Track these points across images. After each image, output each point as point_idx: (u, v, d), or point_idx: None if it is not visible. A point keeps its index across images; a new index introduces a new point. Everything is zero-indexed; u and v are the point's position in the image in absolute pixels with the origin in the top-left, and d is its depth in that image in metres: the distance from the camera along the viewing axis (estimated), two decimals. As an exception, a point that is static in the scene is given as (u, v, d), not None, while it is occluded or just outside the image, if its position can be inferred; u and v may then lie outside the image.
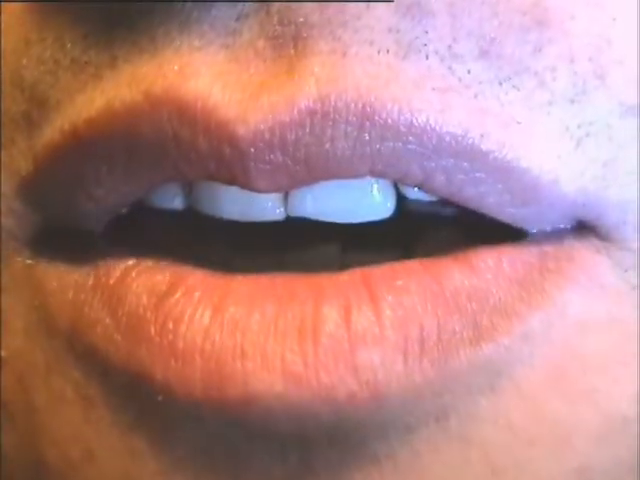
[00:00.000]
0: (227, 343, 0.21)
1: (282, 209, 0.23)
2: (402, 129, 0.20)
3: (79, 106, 0.22)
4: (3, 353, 0.24)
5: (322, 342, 0.21)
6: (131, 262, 0.23)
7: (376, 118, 0.20)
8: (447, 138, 0.21)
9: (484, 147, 0.21)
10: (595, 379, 0.22)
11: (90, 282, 0.23)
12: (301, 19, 0.20)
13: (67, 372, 0.23)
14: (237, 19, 0.21)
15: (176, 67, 0.21)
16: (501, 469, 0.22)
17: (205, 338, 0.21)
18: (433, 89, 0.20)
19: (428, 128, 0.20)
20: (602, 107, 0.21)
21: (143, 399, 0.22)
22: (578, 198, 0.22)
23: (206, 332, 0.21)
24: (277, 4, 0.20)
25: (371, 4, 0.20)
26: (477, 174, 0.21)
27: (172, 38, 0.21)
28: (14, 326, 0.24)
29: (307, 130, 0.20)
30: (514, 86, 0.21)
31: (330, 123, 0.20)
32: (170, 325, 0.21)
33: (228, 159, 0.21)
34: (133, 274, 0.22)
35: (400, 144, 0.21)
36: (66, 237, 0.23)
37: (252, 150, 0.20)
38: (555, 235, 0.22)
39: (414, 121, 0.20)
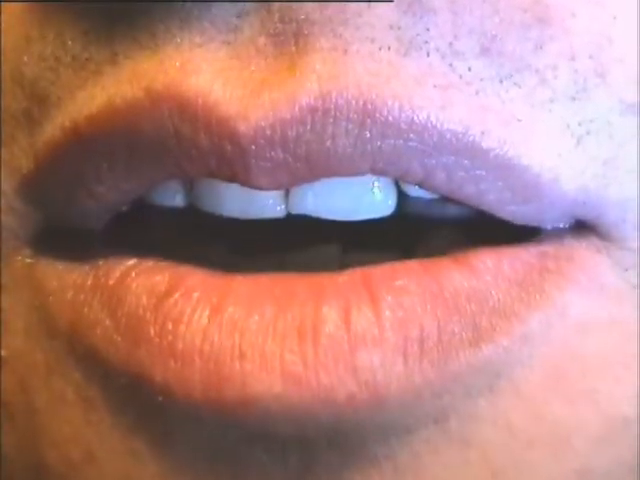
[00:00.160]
0: (225, 344, 0.21)
1: (283, 206, 0.23)
2: (403, 126, 0.20)
3: (80, 103, 0.22)
4: (3, 353, 0.24)
5: (322, 343, 0.21)
6: (131, 262, 0.22)
7: (377, 115, 0.20)
8: (448, 135, 0.21)
9: (485, 144, 0.21)
10: (595, 380, 0.22)
11: (89, 282, 0.23)
12: (302, 16, 0.20)
13: (67, 373, 0.23)
14: (238, 16, 0.21)
15: (177, 64, 0.21)
16: (501, 470, 0.21)
17: (204, 339, 0.21)
18: (434, 86, 0.21)
19: (429, 125, 0.20)
20: (603, 105, 0.21)
21: (143, 400, 0.22)
22: (578, 196, 0.22)
23: (205, 333, 0.21)
24: (278, 2, 0.20)
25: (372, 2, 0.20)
26: (478, 171, 0.21)
27: (173, 35, 0.21)
28: (14, 326, 0.24)
29: (308, 127, 0.20)
30: (515, 83, 0.21)
31: (331, 120, 0.20)
32: (169, 326, 0.21)
33: (229, 156, 0.21)
34: (133, 274, 0.22)
35: (401, 141, 0.21)
36: (66, 236, 0.23)
37: (253, 147, 0.20)
38: (555, 235, 0.22)
39: (415, 118, 0.20)
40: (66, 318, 0.23)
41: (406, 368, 0.21)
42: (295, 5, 0.20)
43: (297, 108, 0.20)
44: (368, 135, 0.20)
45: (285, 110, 0.20)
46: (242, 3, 0.20)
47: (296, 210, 0.23)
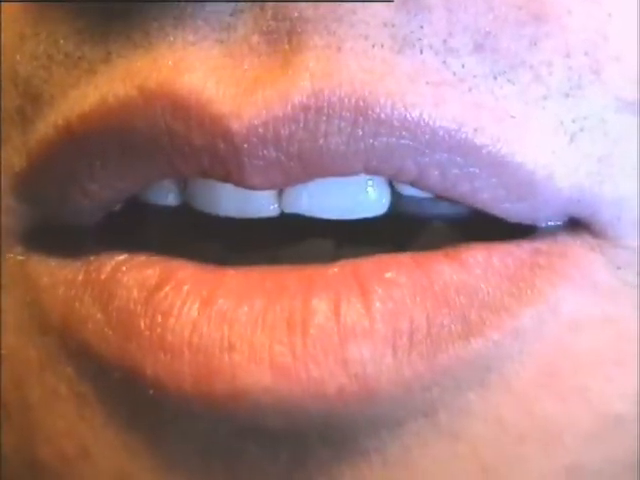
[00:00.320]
0: (214, 335, 0.21)
1: (276, 205, 0.23)
2: (395, 124, 0.20)
3: (72, 101, 0.22)
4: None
5: (311, 334, 0.20)
6: (122, 257, 0.22)
7: (369, 113, 0.20)
8: (441, 132, 0.21)
9: (478, 141, 0.21)
10: (587, 377, 0.22)
11: (81, 277, 0.23)
12: (296, 14, 0.20)
13: (60, 369, 0.23)
14: (231, 14, 0.21)
15: (170, 62, 0.21)
16: (491, 465, 0.21)
17: (193, 331, 0.21)
18: (427, 83, 0.20)
19: (421, 123, 0.20)
20: (597, 102, 0.21)
21: (136, 395, 0.22)
22: (573, 194, 0.21)
23: (194, 325, 0.21)
24: (272, 1, 0.20)
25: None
26: (471, 169, 0.21)
27: (166, 33, 0.21)
28: (7, 323, 0.24)
29: (301, 125, 0.20)
30: (509, 80, 0.21)
31: (324, 118, 0.20)
32: (159, 318, 0.21)
33: (222, 154, 0.21)
34: (124, 269, 0.22)
35: (394, 139, 0.21)
36: (58, 233, 0.23)
37: (245, 146, 0.20)
38: (549, 232, 0.22)
39: (407, 116, 0.20)
40: (58, 314, 0.23)
41: (395, 360, 0.21)
42: (288, 3, 0.20)
43: (290, 106, 0.20)
44: (361, 133, 0.20)
45: (278, 108, 0.20)
46: (235, 2, 0.20)
47: (290, 209, 0.23)
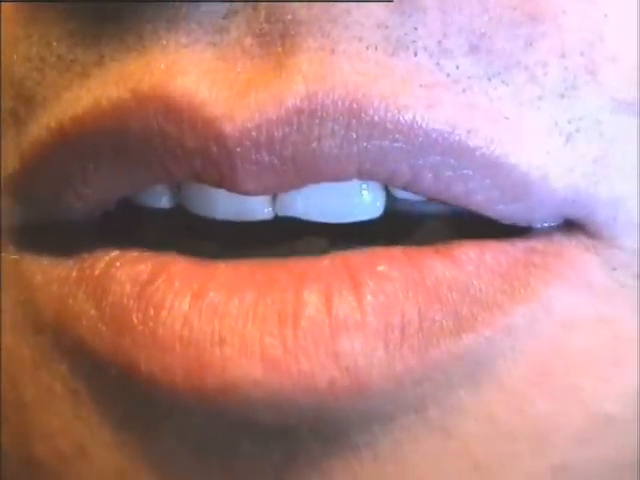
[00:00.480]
0: (205, 329, 0.21)
1: (270, 209, 0.23)
2: (389, 126, 0.20)
3: (65, 104, 0.21)
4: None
5: (302, 326, 0.20)
6: (115, 254, 0.22)
7: (362, 116, 0.20)
8: (434, 135, 0.20)
9: (471, 143, 0.21)
10: (580, 377, 0.22)
11: (74, 274, 0.23)
12: (289, 16, 0.20)
13: (54, 367, 0.23)
14: (224, 17, 0.20)
15: (163, 65, 0.21)
16: (482, 462, 0.22)
17: (184, 324, 0.21)
18: (420, 85, 0.20)
19: (414, 125, 0.20)
20: (592, 103, 0.21)
21: (132, 391, 0.22)
22: (568, 195, 0.21)
23: (185, 318, 0.21)
24: (265, 2, 0.20)
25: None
26: (465, 171, 0.21)
27: (159, 36, 0.21)
28: (2, 322, 0.24)
29: (294, 128, 0.20)
30: (503, 81, 0.21)
31: (317, 121, 0.20)
32: (151, 312, 0.21)
33: (215, 157, 0.21)
34: (117, 264, 0.22)
35: (387, 142, 0.20)
36: (51, 232, 0.23)
37: (238, 149, 0.20)
38: (544, 232, 0.22)
39: (400, 119, 0.20)
40: (52, 311, 0.23)
41: (387, 354, 0.21)
42: (281, 5, 0.20)
43: (283, 109, 0.20)
44: (354, 136, 0.20)
45: (271, 111, 0.20)
46: (229, 3, 0.20)
47: (285, 212, 0.23)
